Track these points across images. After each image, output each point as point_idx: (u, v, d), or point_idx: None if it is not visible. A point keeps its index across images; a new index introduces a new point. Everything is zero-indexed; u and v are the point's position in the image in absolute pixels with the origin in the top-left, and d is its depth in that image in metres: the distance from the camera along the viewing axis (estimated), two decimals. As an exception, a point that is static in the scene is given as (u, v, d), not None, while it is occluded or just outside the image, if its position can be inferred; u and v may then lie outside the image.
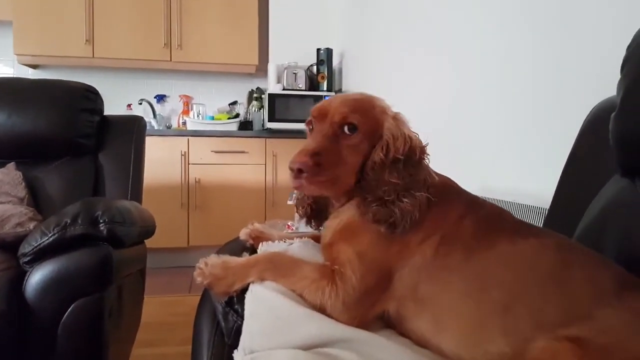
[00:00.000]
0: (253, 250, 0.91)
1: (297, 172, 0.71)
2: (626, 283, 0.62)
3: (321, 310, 0.70)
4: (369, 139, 0.75)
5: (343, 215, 0.79)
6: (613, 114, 0.83)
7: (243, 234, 0.97)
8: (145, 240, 1.68)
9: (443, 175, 0.80)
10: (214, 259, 0.79)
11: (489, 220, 0.72)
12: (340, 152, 0.74)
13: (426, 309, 0.68)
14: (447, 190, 0.77)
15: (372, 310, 0.70)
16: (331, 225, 0.81)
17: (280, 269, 0.75)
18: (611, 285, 0.61)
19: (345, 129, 0.75)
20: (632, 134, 0.77)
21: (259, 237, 0.94)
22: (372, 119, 0.76)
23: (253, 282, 0.75)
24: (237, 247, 0.94)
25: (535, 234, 0.70)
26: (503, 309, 0.62)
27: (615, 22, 1.18)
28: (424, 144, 0.77)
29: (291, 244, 0.89)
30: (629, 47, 0.86)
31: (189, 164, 3.40)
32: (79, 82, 1.93)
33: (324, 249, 0.81)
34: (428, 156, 0.77)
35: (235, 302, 0.77)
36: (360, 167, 0.76)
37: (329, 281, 0.71)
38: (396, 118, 0.78)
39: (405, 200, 0.70)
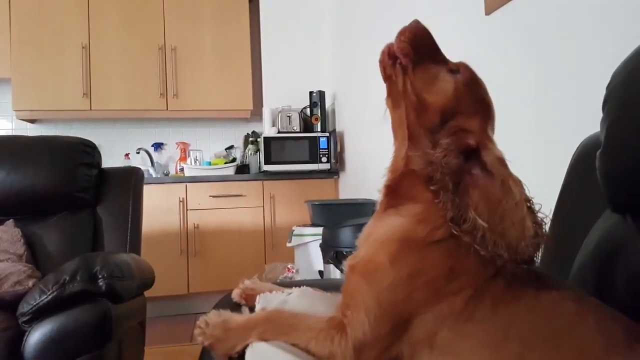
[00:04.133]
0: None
1: None
2: (637, 335, 0.61)
3: (331, 359, 0.68)
4: None
5: (394, 222, 0.73)
6: (598, 152, 0.84)
7: (235, 295, 0.96)
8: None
9: None
10: (214, 318, 0.78)
11: (520, 274, 0.69)
12: None
13: (442, 356, 0.66)
14: None
15: (385, 355, 0.68)
16: (370, 235, 0.76)
17: (281, 327, 0.74)
18: (622, 336, 0.61)
19: None
20: (618, 172, 0.78)
21: (251, 295, 0.94)
22: None
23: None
24: (232, 302, 0.94)
25: (557, 286, 0.68)
26: None
27: (606, 55, 1.22)
28: None
29: (290, 293, 0.89)
30: (608, 86, 0.89)
31: (187, 210, 3.41)
32: (77, 137, 1.96)
33: (349, 270, 0.75)
34: None
35: (236, 357, 0.77)
36: None
37: (338, 330, 0.69)
38: None
39: None
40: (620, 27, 1.15)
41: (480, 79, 0.77)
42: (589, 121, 1.04)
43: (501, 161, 0.68)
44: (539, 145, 1.44)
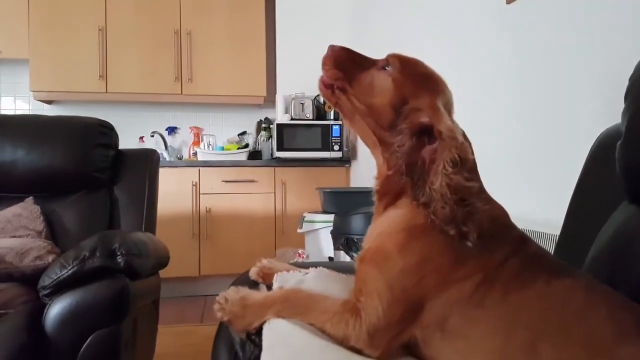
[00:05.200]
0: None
1: None
2: None
3: (345, 341, 0.70)
4: None
5: (394, 214, 0.77)
6: (619, 143, 0.84)
7: (252, 273, 0.98)
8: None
9: (498, 205, 0.77)
10: (233, 295, 0.80)
11: (531, 261, 0.71)
12: None
13: (453, 340, 0.67)
14: (499, 225, 0.74)
15: (398, 339, 0.69)
16: (373, 232, 0.79)
17: (297, 306, 0.75)
18: (634, 325, 0.61)
19: None
20: (638, 162, 0.79)
21: (268, 274, 0.96)
22: None
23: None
24: (250, 280, 0.96)
25: (570, 274, 0.69)
26: (529, 347, 0.62)
27: (624, 48, 1.21)
28: None
29: (306, 273, 0.91)
30: (631, 77, 0.88)
31: (199, 194, 3.45)
32: (95, 118, 1.99)
33: (359, 262, 0.78)
34: None
35: (253, 332, 0.79)
36: None
37: (352, 313, 0.70)
38: None
39: None
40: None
41: (413, 58, 0.81)
42: (609, 112, 1.04)
43: (449, 133, 0.70)
44: (558, 134, 1.44)
